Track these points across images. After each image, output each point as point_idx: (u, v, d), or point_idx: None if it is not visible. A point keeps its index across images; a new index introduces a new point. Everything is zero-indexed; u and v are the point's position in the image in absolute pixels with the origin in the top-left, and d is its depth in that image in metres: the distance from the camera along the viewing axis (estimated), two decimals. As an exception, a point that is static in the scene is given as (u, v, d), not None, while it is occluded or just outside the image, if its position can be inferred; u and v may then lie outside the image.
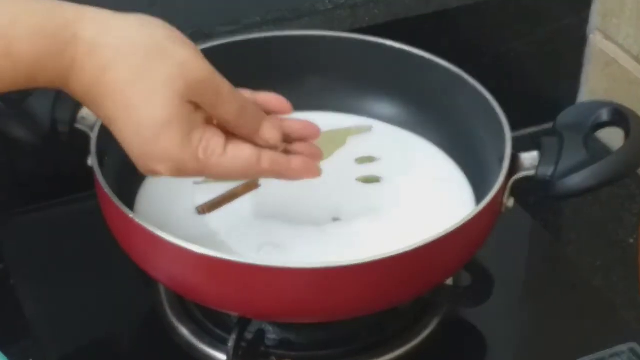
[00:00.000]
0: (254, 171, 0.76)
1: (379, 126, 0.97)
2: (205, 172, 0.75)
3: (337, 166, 0.93)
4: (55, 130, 0.86)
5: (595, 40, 1.15)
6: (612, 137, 1.07)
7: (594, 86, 1.17)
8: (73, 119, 0.86)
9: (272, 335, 0.87)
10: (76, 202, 0.99)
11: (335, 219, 0.88)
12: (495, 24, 1.11)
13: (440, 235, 0.78)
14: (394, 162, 0.94)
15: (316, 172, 0.79)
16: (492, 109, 0.88)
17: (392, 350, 0.86)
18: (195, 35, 1.02)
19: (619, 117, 0.84)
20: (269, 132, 0.77)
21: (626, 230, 1.04)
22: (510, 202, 0.84)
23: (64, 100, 0.86)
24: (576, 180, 0.81)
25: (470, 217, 0.79)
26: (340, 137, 0.96)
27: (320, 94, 0.98)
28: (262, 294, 0.78)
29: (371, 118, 0.98)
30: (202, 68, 0.73)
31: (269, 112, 0.79)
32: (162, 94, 0.71)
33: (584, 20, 1.14)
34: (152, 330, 0.89)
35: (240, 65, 0.96)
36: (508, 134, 0.85)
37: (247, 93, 0.79)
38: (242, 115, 0.75)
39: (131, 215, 0.79)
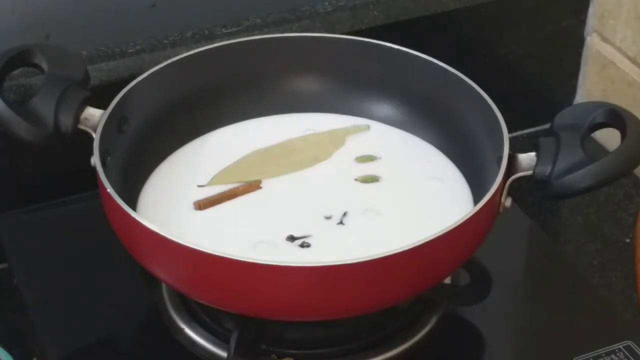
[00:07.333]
0: None
1: (377, 127, 0.98)
2: None
3: (337, 166, 0.94)
4: (59, 131, 0.86)
5: (593, 42, 1.15)
6: (609, 138, 1.08)
7: (591, 87, 1.17)
8: (76, 119, 0.86)
9: (272, 333, 0.87)
10: (79, 202, 0.99)
11: (334, 219, 0.88)
12: (494, 26, 1.11)
13: (439, 234, 0.78)
14: (392, 162, 0.95)
15: None
16: (490, 110, 0.88)
17: (391, 348, 0.87)
18: (196, 36, 1.03)
19: (616, 117, 0.85)
20: None
21: (623, 230, 1.05)
22: (508, 202, 0.85)
23: (68, 101, 0.86)
24: (573, 180, 0.81)
25: (468, 217, 0.80)
26: (339, 138, 0.97)
27: (320, 95, 0.99)
28: (262, 292, 0.78)
29: (370, 119, 0.98)
30: None
31: None
32: None
33: (581, 22, 1.15)
34: (155, 329, 0.89)
35: (241, 67, 0.97)
36: (506, 135, 0.85)
37: None
38: None
39: (134, 215, 0.80)
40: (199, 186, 0.91)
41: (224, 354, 0.85)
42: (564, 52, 1.16)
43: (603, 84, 1.15)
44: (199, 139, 0.96)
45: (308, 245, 0.86)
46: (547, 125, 0.87)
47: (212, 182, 0.92)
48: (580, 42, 1.16)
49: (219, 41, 0.98)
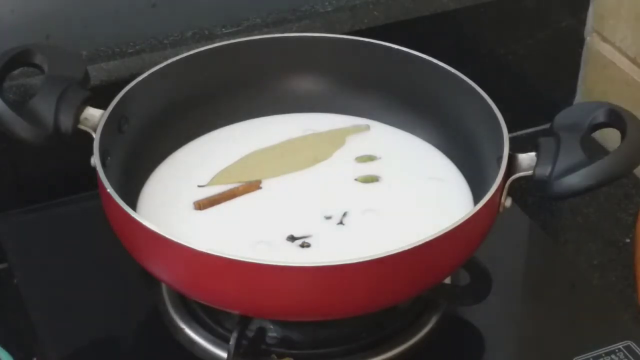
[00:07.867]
0: None
1: (377, 127, 0.98)
2: None
3: (337, 166, 0.94)
4: (59, 131, 0.86)
5: (593, 42, 1.15)
6: (609, 138, 1.08)
7: (591, 87, 1.17)
8: (76, 119, 0.86)
9: (272, 333, 0.87)
10: (79, 202, 0.99)
11: (334, 219, 0.88)
12: (494, 26, 1.11)
13: (439, 234, 0.78)
14: (392, 162, 0.95)
15: None
16: (490, 110, 0.88)
17: (391, 348, 0.87)
18: (196, 36, 1.03)
19: (616, 117, 0.85)
20: None
21: (622, 229, 1.05)
22: (508, 202, 0.85)
23: (68, 101, 0.86)
24: (573, 180, 0.82)
25: (468, 217, 0.80)
26: (339, 138, 0.97)
27: (320, 95, 0.99)
28: (262, 292, 0.78)
29: (370, 119, 0.98)
30: None
31: None
32: None
33: (581, 22, 1.15)
34: (155, 329, 0.89)
35: (241, 67, 0.97)
36: (506, 135, 0.85)
37: None
38: None
39: (134, 215, 0.80)
40: (199, 186, 0.91)
41: (224, 354, 0.85)
42: (564, 52, 1.16)
43: (603, 83, 1.15)
44: (199, 139, 0.96)
45: (308, 245, 0.86)
46: (547, 125, 0.87)
47: (212, 182, 0.92)
48: (580, 42, 1.16)
49: (219, 41, 0.98)
